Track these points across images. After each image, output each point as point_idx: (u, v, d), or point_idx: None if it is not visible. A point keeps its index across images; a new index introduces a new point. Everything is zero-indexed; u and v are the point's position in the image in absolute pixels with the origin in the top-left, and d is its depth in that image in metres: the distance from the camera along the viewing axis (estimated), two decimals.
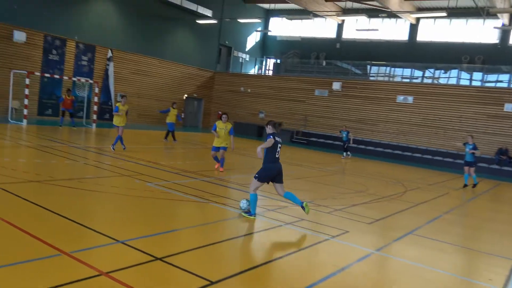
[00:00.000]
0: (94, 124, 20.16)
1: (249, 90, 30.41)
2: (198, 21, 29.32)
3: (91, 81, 21.31)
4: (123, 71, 25.44)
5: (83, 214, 6.16)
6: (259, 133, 28.50)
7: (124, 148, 13.30)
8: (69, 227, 5.43)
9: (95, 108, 21.27)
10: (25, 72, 18.04)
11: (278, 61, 33.36)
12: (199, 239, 5.62)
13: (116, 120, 13.28)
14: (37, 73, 19.26)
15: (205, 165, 12.44)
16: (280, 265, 5.06)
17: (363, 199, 9.80)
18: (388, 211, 8.86)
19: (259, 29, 34.74)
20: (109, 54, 24.32)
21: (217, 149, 11.43)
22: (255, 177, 6.92)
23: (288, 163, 15.31)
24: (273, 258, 5.26)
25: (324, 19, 31.53)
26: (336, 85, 26.55)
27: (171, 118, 17.64)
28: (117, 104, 13.32)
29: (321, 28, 32.82)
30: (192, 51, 29.86)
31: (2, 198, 6.38)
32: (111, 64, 24.41)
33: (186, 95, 29.87)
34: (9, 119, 18.23)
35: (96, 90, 20.91)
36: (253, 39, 34.97)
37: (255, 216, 6.93)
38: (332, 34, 32.15)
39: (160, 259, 4.70)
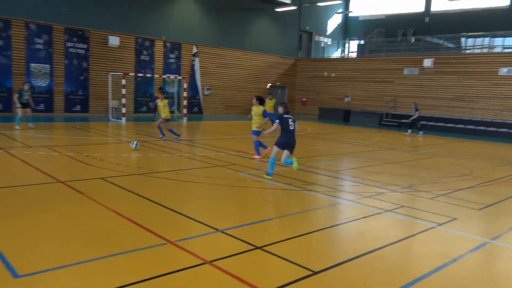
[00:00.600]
0: (184, 118, 21.08)
1: (333, 75, 29.70)
2: (277, 9, 29.19)
3: (179, 77, 22.28)
4: (208, 65, 26.25)
5: (183, 204, 6.42)
6: (345, 118, 27.73)
7: (177, 137, 13.61)
8: (171, 217, 5.68)
9: (185, 102, 22.22)
10: (121, 73, 19.36)
11: (362, 42, 32.08)
12: (296, 228, 5.54)
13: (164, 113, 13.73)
14: (131, 74, 20.59)
15: (294, 153, 12.33)
16: (383, 255, 4.79)
17: (468, 183, 9.02)
18: (500, 195, 8.04)
19: (340, 11, 33.67)
20: (194, 50, 25.23)
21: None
22: (275, 144, 8.69)
23: (379, 147, 14.67)
24: (375, 247, 5.00)
25: None
26: (428, 62, 24.83)
27: (269, 109, 17.72)
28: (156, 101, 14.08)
29: (407, 3, 30.85)
30: (273, 40, 29.86)
31: (110, 191, 6.88)
32: (197, 60, 25.31)
33: (269, 84, 30.02)
34: (110, 118, 19.76)
35: (185, 85, 21.83)
36: (334, 22, 34.01)
37: (271, 176, 8.41)
38: (420, 8, 30.06)
39: (260, 248, 4.71)
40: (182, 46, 24.85)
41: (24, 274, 3.82)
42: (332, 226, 5.75)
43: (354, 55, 32.41)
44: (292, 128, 8.68)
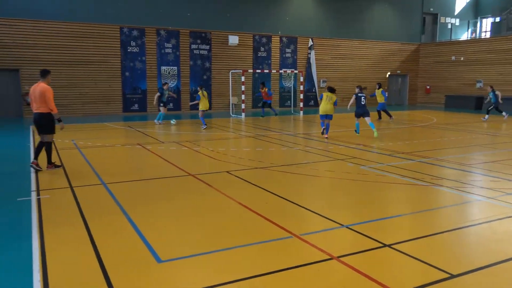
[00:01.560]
0: (301, 112, 21.21)
1: (462, 59, 27.10)
2: None
3: (295, 71, 22.46)
4: (324, 57, 26.00)
5: (307, 198, 6.46)
6: (477, 105, 25.10)
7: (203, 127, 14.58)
8: (296, 211, 5.75)
9: (301, 96, 22.33)
10: (240, 70, 20.20)
11: (498, 19, 28.65)
12: (427, 226, 5.18)
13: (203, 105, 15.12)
14: (250, 70, 21.35)
15: (419, 145, 11.59)
16: None
17: None
18: None
19: None
20: (310, 43, 25.17)
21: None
22: (355, 115, 12.91)
23: None
24: None
25: None
26: None
27: (379, 98, 17.85)
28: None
29: None
30: (392, 26, 28.34)
31: (235, 183, 7.23)
32: (312, 52, 25.22)
33: (389, 73, 28.62)
34: (231, 114, 20.78)
35: (301, 79, 21.92)
36: (463, 0, 31.00)
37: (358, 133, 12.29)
38: None
39: (389, 245, 4.50)
40: (298, 39, 24.98)
41: (166, 259, 4.21)
42: (469, 226, 5.25)
43: (487, 35, 29.16)
44: (363, 103, 12.88)
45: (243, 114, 19.67)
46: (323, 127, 12.97)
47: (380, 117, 18.27)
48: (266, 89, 19.91)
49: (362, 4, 26.95)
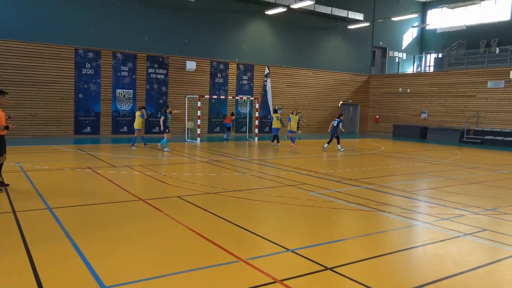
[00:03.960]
0: (256, 138, 21.53)
1: (408, 91, 28.70)
2: (349, 27, 29.02)
3: (252, 98, 22.88)
4: (279, 85, 26.70)
5: (255, 222, 6.58)
6: (422, 135, 26.54)
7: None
8: (244, 236, 5.86)
9: (257, 122, 22.70)
10: (197, 96, 20.35)
11: (440, 55, 30.74)
12: (369, 250, 5.44)
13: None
14: (207, 96, 21.52)
15: (366, 172, 12.10)
16: (464, 281, 4.54)
17: None
18: None
19: (416, 24, 32.69)
20: (266, 70, 25.84)
21: (292, 132, 18.61)
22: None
23: (459, 166, 13.87)
24: (454, 273, 4.76)
25: (494, 1, 27.91)
26: None
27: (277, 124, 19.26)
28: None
29: (490, 12, 29.13)
30: (344, 57, 29.66)
31: (186, 209, 7.25)
32: (269, 80, 25.87)
33: (341, 102, 29.73)
34: (186, 138, 20.75)
35: (257, 105, 22.34)
36: (409, 36, 33.04)
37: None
38: (506, 17, 28.25)
39: (330, 269, 4.70)
40: (255, 67, 25.57)
41: (111, 285, 4.17)
42: (407, 249, 5.56)
43: (431, 69, 31.09)
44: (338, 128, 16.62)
45: (198, 139, 19.72)
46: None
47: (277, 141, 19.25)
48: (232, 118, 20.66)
49: (316, 36, 28.11)
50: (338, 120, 17.25)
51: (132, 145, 16.36)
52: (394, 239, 6.04)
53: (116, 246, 5.31)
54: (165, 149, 15.36)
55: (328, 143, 17.48)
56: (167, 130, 15.60)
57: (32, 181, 9.17)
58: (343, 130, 18.00)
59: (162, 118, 15.74)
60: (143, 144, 16.80)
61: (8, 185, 8.17)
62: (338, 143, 17.61)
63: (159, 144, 16.47)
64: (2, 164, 8.06)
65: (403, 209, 7.65)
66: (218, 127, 24.24)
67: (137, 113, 16.24)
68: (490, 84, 24.39)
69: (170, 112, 16.07)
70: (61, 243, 5.33)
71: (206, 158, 14.21)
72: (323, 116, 28.70)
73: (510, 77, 23.37)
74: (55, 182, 9.36)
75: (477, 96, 24.98)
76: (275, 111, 20.30)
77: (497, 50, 27.20)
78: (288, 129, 18.71)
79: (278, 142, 19.31)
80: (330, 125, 17.36)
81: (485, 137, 23.39)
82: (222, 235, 5.81)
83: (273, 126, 19.48)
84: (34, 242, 5.31)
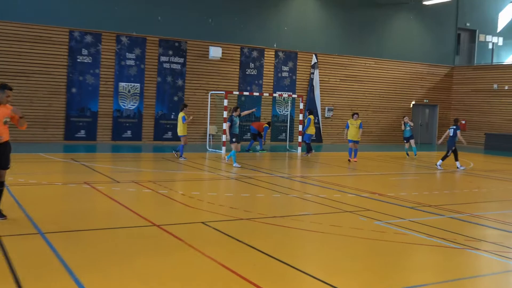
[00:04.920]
0: (299, 148, 21.57)
1: (506, 88, 28.09)
2: (425, 2, 28.80)
3: (294, 95, 23.00)
4: (330, 79, 26.73)
5: (303, 259, 6.64)
6: None
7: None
8: (289, 275, 5.91)
9: (300, 128, 22.68)
10: (223, 92, 20.64)
11: None
12: None
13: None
14: (235, 92, 21.78)
15: (450, 196, 11.94)
16: None
17: None
18: None
19: None
20: (314, 60, 25.94)
21: (351, 141, 18.35)
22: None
23: None
24: None
25: None
26: None
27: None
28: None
29: None
30: (419, 43, 29.43)
31: (214, 238, 7.37)
32: (316, 72, 25.95)
33: (413, 102, 29.43)
34: (207, 147, 21.04)
35: (301, 105, 22.36)
36: (508, 14, 32.40)
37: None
38: None
39: None
40: (298, 55, 25.72)
41: None
42: None
43: None
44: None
45: (223, 148, 19.93)
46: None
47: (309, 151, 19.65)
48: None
49: (380, 15, 28.03)
50: (455, 127, 17.22)
51: (180, 156, 16.76)
52: (491, 286, 5.94)
53: (127, 282, 5.46)
54: (234, 164, 15.35)
55: (443, 158, 17.32)
56: (234, 140, 15.57)
57: (16, 198, 9.53)
58: (464, 142, 17.76)
59: (228, 124, 16.00)
60: (176, 154, 17.05)
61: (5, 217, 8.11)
62: (456, 160, 17.21)
63: (225, 157, 16.49)
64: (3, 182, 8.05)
65: (503, 247, 7.51)
66: (249, 133, 24.41)
67: (180, 115, 16.78)
68: None
69: (239, 116, 16.27)
70: (61, 279, 5.52)
71: (234, 173, 14.36)
72: (388, 121, 28.47)
73: None
74: (45, 200, 9.68)
75: None
76: (310, 113, 20.20)
77: None
78: (346, 138, 18.70)
79: (310, 151, 19.70)
80: (444, 135, 17.69)
81: None
82: (262, 273, 5.89)
83: (307, 132, 19.79)
84: (27, 276, 5.52)
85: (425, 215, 9.58)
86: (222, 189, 12.16)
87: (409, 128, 20.23)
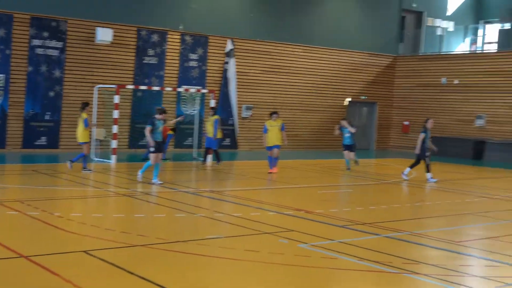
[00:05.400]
0: (208, 156, 21.64)
1: (456, 82, 29.54)
2: None
3: (204, 90, 23.03)
4: (249, 70, 27.05)
5: None
6: (477, 153, 27.22)
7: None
8: None
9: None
10: (114, 86, 20.36)
11: (507, 26, 31.87)
12: None
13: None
14: (130, 86, 21.52)
15: (387, 212, 12.47)
16: None
17: None
18: None
19: None
20: (229, 46, 26.11)
21: (271, 148, 17.98)
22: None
23: None
24: None
25: None
26: None
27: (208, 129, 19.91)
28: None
29: None
30: (355, 28, 30.35)
31: (100, 272, 7.31)
32: (232, 62, 26.10)
33: (348, 99, 30.31)
34: (93, 156, 20.51)
35: (212, 103, 22.42)
36: None
37: None
38: None
39: None
40: (210, 40, 25.85)
41: None
42: None
43: (494, 47, 32.17)
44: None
45: (113, 157, 19.67)
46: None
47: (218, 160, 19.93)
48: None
49: None
50: (424, 131, 17.85)
51: (84, 167, 16.52)
52: None
53: None
54: (154, 180, 14.86)
55: (412, 166, 17.93)
56: (152, 149, 15.01)
57: None
58: (435, 148, 18.12)
59: (149, 128, 15.08)
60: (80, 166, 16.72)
61: None
62: (428, 170, 17.73)
63: (139, 172, 15.71)
64: None
65: (446, 270, 7.96)
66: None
67: (82, 117, 16.62)
68: None
69: (164, 121, 15.88)
70: None
71: (127, 188, 14.26)
72: (319, 122, 29.10)
73: None
74: None
75: None
76: (215, 112, 20.33)
77: None
78: (265, 144, 18.55)
79: (219, 160, 19.85)
80: (418, 142, 17.83)
81: None
82: None
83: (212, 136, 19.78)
84: None
85: (358, 234, 9.96)
86: (111, 209, 12.01)
87: (348, 134, 19.82)
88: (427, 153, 17.48)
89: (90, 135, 17.17)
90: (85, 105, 17.05)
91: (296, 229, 10.11)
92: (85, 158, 16.67)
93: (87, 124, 16.62)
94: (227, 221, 10.87)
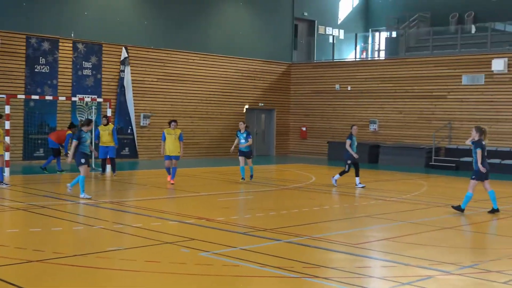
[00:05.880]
0: (108, 166, 21.26)
1: (349, 88, 30.47)
2: None
3: (99, 99, 22.60)
4: (145, 78, 26.82)
5: None
6: (372, 156, 28.23)
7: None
8: None
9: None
10: (3, 96, 19.62)
11: (394, 34, 33.21)
12: None
13: None
14: (21, 96, 20.79)
15: (288, 217, 12.69)
16: None
17: None
18: None
19: None
20: (124, 54, 25.82)
21: (169, 157, 17.60)
22: None
23: (425, 204, 15.14)
24: None
25: None
26: (498, 65, 25.75)
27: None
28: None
29: None
30: (251, 36, 30.83)
31: None
32: (127, 70, 25.83)
33: (246, 106, 30.65)
34: None
35: (109, 112, 22.09)
36: (348, 4, 35.23)
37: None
38: None
39: None
40: (104, 48, 25.44)
41: None
42: None
43: (382, 55, 33.43)
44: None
45: (6, 170, 18.93)
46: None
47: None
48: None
49: (205, 0, 28.81)
50: (350, 137, 18.26)
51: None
52: None
53: None
54: (82, 195, 14.37)
55: (342, 173, 18.15)
56: (83, 161, 14.57)
57: None
58: (355, 155, 18.01)
59: (75, 142, 14.64)
60: None
61: None
62: (357, 175, 18.07)
63: (68, 185, 15.04)
64: None
65: (346, 272, 8.16)
66: (42, 149, 23.50)
67: None
68: (465, 80, 26.85)
69: (91, 132, 15.61)
70: None
71: (21, 202, 13.79)
72: (219, 130, 29.27)
73: (493, 69, 25.91)
74: None
75: (449, 96, 27.36)
76: (108, 122, 20.08)
77: (473, 29, 30.07)
78: (163, 153, 18.04)
79: (113, 170, 19.80)
80: (347, 147, 18.17)
81: (461, 159, 25.62)
82: None
83: (111, 145, 19.62)
84: None
85: (259, 241, 10.05)
86: (4, 224, 11.55)
87: (243, 140, 19.10)
88: (349, 161, 17.90)
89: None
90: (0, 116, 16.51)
91: (197, 238, 10.09)
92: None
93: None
94: (128, 232, 10.73)
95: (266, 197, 16.36)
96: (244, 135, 18.70)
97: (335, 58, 33.45)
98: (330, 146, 29.85)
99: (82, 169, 14.54)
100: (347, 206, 14.67)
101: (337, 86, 30.90)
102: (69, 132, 20.27)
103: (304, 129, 32.04)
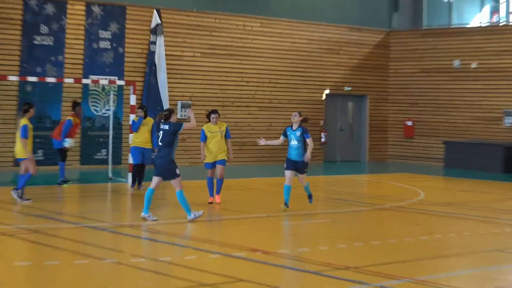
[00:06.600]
0: (130, 175, 21.38)
1: (473, 66, 29.81)
2: None
3: (120, 82, 22.75)
4: (185, 52, 26.94)
5: None
6: (508, 163, 27.33)
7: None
8: None
9: (131, 137, 22.41)
10: None
11: None
12: None
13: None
14: (13, 78, 21.11)
15: (384, 250, 12.33)
16: None
17: None
18: None
19: None
20: (156, 20, 25.91)
21: (212, 165, 17.01)
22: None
23: None
24: None
25: None
26: None
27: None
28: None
29: None
30: None
31: None
32: (160, 41, 25.92)
33: (326, 91, 30.32)
34: None
35: (132, 100, 22.06)
36: None
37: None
38: None
39: None
40: (128, 11, 25.66)
41: None
42: None
43: None
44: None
45: None
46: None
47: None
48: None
49: None
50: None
51: (21, 195, 16.52)
52: None
53: None
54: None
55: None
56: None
57: None
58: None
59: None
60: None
61: None
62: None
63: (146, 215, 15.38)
64: None
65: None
66: (41, 151, 23.76)
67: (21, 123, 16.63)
68: None
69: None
70: None
71: (8, 225, 13.87)
72: (286, 124, 28.79)
73: None
74: None
75: None
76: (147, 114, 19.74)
77: None
78: (203, 159, 17.54)
79: (139, 182, 19.90)
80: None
81: None
82: None
83: (132, 145, 19.94)
84: None
85: (338, 284, 9.73)
86: None
87: (295, 141, 16.99)
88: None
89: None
90: (28, 107, 17.09)
91: (247, 279, 9.84)
92: (25, 181, 16.66)
93: (25, 134, 16.57)
94: (150, 269, 10.53)
95: (351, 221, 16.02)
96: (298, 133, 16.59)
97: (453, 23, 32.81)
98: (448, 148, 29.26)
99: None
100: (468, 234, 14.13)
101: (456, 63, 30.30)
102: (70, 118, 20.29)
103: (409, 123, 31.51)
